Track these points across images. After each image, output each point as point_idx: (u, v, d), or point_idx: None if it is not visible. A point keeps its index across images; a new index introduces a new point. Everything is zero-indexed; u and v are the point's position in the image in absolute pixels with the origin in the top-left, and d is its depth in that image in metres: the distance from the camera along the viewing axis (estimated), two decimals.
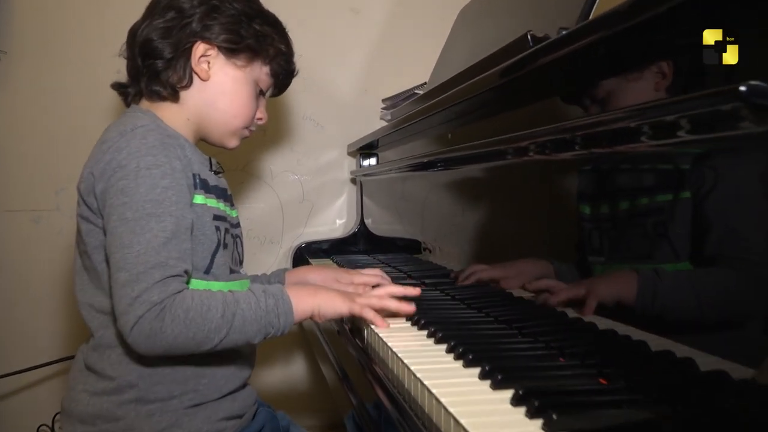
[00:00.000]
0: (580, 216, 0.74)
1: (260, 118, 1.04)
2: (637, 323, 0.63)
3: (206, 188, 0.92)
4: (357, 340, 0.93)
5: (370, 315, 0.87)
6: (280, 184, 1.81)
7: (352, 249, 1.75)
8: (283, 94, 1.10)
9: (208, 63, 0.95)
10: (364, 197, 1.75)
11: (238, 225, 1.04)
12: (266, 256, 1.82)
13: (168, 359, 0.85)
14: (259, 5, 1.03)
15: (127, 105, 0.99)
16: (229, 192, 1.02)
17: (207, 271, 0.90)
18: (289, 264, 1.77)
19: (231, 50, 0.96)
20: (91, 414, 0.86)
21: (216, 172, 0.98)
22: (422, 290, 1.07)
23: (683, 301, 0.58)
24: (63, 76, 1.70)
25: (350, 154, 1.82)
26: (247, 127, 1.02)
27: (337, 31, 1.82)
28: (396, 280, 1.22)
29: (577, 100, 0.75)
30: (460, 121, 1.05)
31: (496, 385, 0.58)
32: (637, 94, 0.65)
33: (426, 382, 0.60)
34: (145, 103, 0.97)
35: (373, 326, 0.86)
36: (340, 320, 1.02)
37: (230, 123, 0.99)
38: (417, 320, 0.85)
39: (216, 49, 0.95)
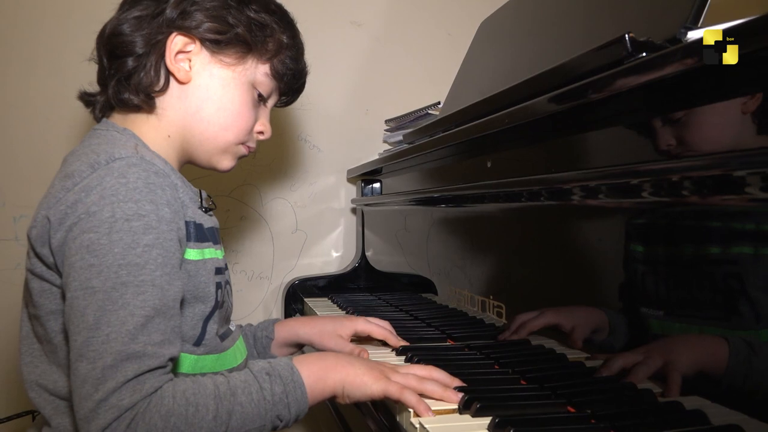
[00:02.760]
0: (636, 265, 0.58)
1: (261, 132, 0.84)
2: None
3: (201, 236, 0.73)
4: (382, 418, 0.74)
5: (412, 400, 0.67)
6: (270, 211, 1.62)
7: (352, 286, 1.56)
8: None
9: (189, 61, 0.75)
10: (366, 229, 1.57)
11: (227, 268, 0.84)
12: (254, 292, 1.62)
13: None
14: None
15: (96, 119, 0.79)
16: (218, 228, 0.83)
17: (197, 343, 0.71)
18: (280, 302, 1.58)
19: (216, 43, 0.75)
20: None
21: (207, 210, 0.78)
22: (458, 351, 0.89)
23: None
24: (25, 87, 1.49)
25: (350, 180, 1.64)
26: (243, 143, 0.82)
27: (337, 46, 1.65)
28: (413, 331, 1.04)
29: (663, 129, 0.58)
30: (495, 148, 0.88)
31: None
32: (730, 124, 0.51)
33: None
34: (116, 117, 0.77)
35: (411, 410, 0.67)
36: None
37: (219, 137, 0.78)
38: (469, 402, 0.66)
39: (198, 42, 0.75)
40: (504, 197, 0.81)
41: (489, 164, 0.89)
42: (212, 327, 0.73)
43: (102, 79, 0.78)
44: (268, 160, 1.60)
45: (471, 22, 1.36)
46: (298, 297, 1.53)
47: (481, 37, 1.28)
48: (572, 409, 0.64)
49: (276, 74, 0.81)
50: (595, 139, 0.69)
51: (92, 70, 1.50)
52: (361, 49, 1.68)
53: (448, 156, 1.07)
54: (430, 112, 1.37)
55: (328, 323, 0.98)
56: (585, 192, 0.65)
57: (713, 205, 0.51)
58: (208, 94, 0.77)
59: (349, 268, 1.58)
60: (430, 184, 1.19)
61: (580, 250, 0.73)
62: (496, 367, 0.82)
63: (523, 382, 0.75)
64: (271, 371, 0.66)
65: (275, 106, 0.87)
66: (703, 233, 0.53)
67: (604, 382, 0.66)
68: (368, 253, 1.57)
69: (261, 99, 0.82)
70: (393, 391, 0.68)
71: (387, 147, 1.63)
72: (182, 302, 0.68)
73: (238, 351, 0.80)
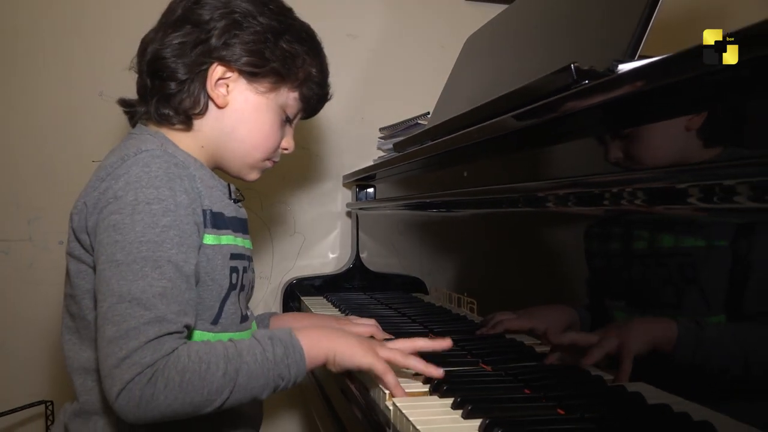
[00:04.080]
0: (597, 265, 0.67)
1: (286, 148, 0.92)
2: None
3: (220, 223, 0.80)
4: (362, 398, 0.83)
5: (391, 382, 0.75)
6: (270, 215, 1.71)
7: (347, 286, 1.65)
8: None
9: (227, 87, 0.83)
10: (360, 232, 1.65)
11: (251, 257, 0.92)
12: (255, 291, 1.70)
13: (167, 424, 0.73)
14: (291, 17, 0.88)
15: (131, 125, 0.88)
16: (246, 219, 0.91)
17: (215, 322, 0.79)
18: (278, 300, 1.66)
19: (253, 75, 0.83)
20: None
21: (236, 200, 0.87)
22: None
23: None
24: (38, 96, 1.59)
25: (346, 185, 1.73)
26: (269, 159, 0.90)
27: (334, 57, 1.72)
28: (399, 327, 1.13)
29: (608, 147, 0.67)
30: (472, 158, 0.97)
31: None
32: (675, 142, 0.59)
33: None
34: (152, 126, 0.85)
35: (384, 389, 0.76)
36: (345, 374, 0.91)
37: (249, 155, 0.87)
38: (438, 385, 0.75)
39: (236, 72, 0.83)
40: (475, 204, 0.89)
41: (465, 174, 0.97)
42: (229, 308, 0.80)
43: (142, 92, 0.85)
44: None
45: (462, 35, 1.44)
46: (295, 296, 1.62)
47: (466, 52, 1.36)
48: (528, 391, 0.73)
49: (303, 98, 0.89)
50: (555, 152, 0.77)
51: (103, 77, 1.60)
52: (357, 60, 1.76)
53: (431, 165, 1.15)
54: (419, 121, 1.46)
55: (318, 319, 1.07)
56: (552, 199, 0.74)
57: (656, 213, 0.59)
58: (242, 117, 0.84)
59: (344, 269, 1.67)
60: (418, 190, 1.28)
61: (545, 252, 0.81)
62: (468, 357, 0.90)
63: (488, 368, 0.83)
64: (273, 336, 0.73)
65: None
66: (651, 236, 0.61)
67: (557, 367, 0.75)
68: (363, 255, 1.65)
69: (287, 120, 0.90)
70: (379, 369, 0.76)
71: (381, 154, 1.71)
72: (200, 282, 0.76)
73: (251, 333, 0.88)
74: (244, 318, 0.85)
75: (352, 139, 1.75)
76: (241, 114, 0.84)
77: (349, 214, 1.74)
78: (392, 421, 0.71)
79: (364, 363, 0.77)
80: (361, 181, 1.62)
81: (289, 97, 0.87)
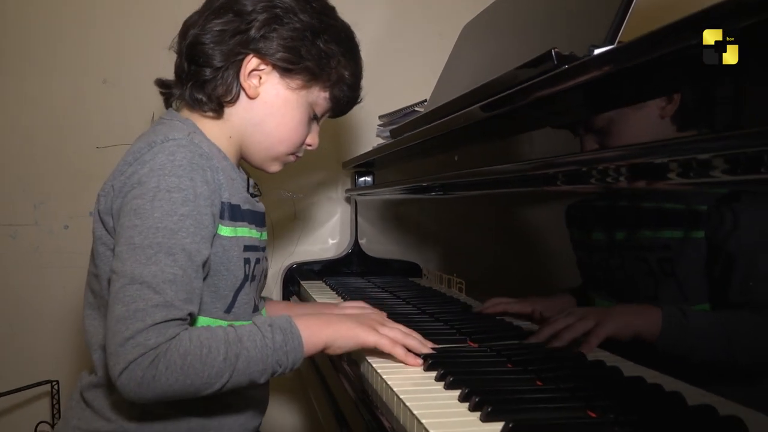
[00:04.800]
0: (592, 247, 0.69)
1: (310, 144, 0.93)
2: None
3: (237, 215, 0.82)
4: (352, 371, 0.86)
5: (401, 353, 0.78)
6: (270, 201, 1.74)
7: (346, 271, 1.68)
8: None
9: (260, 79, 0.84)
10: (359, 217, 1.68)
11: (265, 248, 0.94)
12: None
13: (171, 407, 0.77)
14: (332, 17, 0.90)
15: (166, 106, 0.90)
16: (264, 212, 0.93)
17: (228, 310, 0.81)
18: (279, 285, 1.69)
19: (287, 70, 0.84)
20: None
21: (253, 195, 0.89)
22: (424, 321, 1.01)
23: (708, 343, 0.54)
24: (43, 83, 1.62)
25: (345, 172, 1.76)
26: (293, 153, 0.91)
27: None
28: (392, 308, 1.16)
29: (593, 125, 0.69)
30: (467, 141, 0.99)
31: None
32: (649, 123, 0.61)
33: None
34: (185, 111, 0.87)
35: (374, 364, 0.79)
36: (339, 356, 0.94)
37: (274, 148, 0.88)
38: (423, 359, 0.78)
39: (270, 65, 0.84)
40: (463, 186, 0.92)
41: (456, 158, 1.00)
42: (243, 298, 0.82)
43: (179, 73, 0.87)
44: None
45: (460, 23, 1.45)
46: (295, 280, 1.65)
47: (462, 40, 1.38)
48: (511, 365, 0.76)
49: (333, 99, 0.90)
50: (537, 135, 0.80)
51: (106, 65, 1.63)
52: None
53: (425, 150, 1.18)
54: (416, 109, 1.48)
55: (311, 307, 1.11)
56: (535, 178, 0.76)
57: (639, 190, 0.61)
58: (271, 111, 0.85)
59: (343, 254, 1.70)
60: (413, 176, 1.30)
61: (528, 233, 0.84)
62: (457, 335, 0.93)
63: (475, 345, 0.86)
64: (273, 324, 0.75)
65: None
66: (636, 215, 0.63)
67: (539, 344, 0.77)
68: (361, 241, 1.68)
69: (315, 117, 0.91)
70: (385, 344, 0.79)
71: (380, 141, 1.73)
72: (215, 272, 0.79)
73: None
74: (256, 308, 0.88)
75: (351, 127, 1.78)
76: (270, 107, 0.85)
77: (348, 200, 1.76)
78: (378, 392, 0.74)
79: (368, 340, 0.80)
80: (359, 167, 1.65)
81: (320, 96, 0.88)
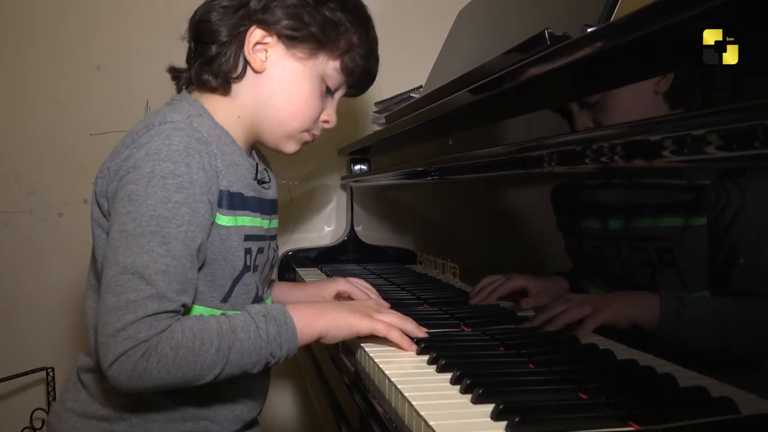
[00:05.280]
0: (588, 232, 0.69)
1: (326, 121, 0.89)
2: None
3: (237, 204, 0.80)
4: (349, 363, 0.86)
5: (396, 336, 0.77)
6: None
7: (341, 258, 1.67)
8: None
9: (266, 52, 0.82)
10: (354, 204, 1.68)
11: (276, 236, 0.92)
12: None
13: (166, 396, 0.76)
14: None
15: (178, 91, 0.88)
16: (275, 200, 0.91)
17: (225, 300, 0.79)
18: (275, 272, 1.69)
19: (291, 38, 0.81)
20: None
21: (261, 182, 0.86)
22: (418, 307, 1.00)
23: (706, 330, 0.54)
24: (37, 69, 1.61)
25: (341, 159, 1.75)
26: (308, 130, 0.87)
27: None
28: (388, 294, 1.15)
29: (588, 107, 0.68)
30: (461, 127, 0.99)
31: (514, 429, 0.51)
32: (645, 100, 0.60)
33: (431, 422, 0.53)
34: (195, 93, 0.85)
35: (367, 348, 0.79)
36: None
37: (286, 124, 0.84)
38: (416, 343, 0.78)
39: (275, 36, 0.81)
40: (457, 170, 0.91)
41: (450, 142, 0.99)
42: (241, 288, 0.80)
43: (188, 57, 0.85)
44: None
45: (455, 8, 1.44)
46: (291, 267, 1.65)
47: (458, 24, 1.37)
48: (503, 349, 0.75)
49: (345, 70, 0.85)
50: (532, 117, 0.79)
51: (100, 52, 1.61)
52: None
53: (420, 135, 1.17)
54: (412, 95, 1.47)
55: (313, 287, 1.09)
56: (528, 160, 0.75)
57: (636, 168, 0.60)
58: (279, 85, 0.82)
59: (339, 241, 1.69)
60: (409, 162, 1.30)
61: (521, 216, 0.83)
62: (451, 320, 0.92)
63: (468, 330, 0.86)
64: (267, 314, 0.73)
65: (344, 96, 0.92)
66: (631, 195, 0.63)
67: (532, 328, 0.77)
68: (357, 228, 1.68)
69: (329, 91, 0.87)
70: (380, 329, 0.78)
71: (376, 128, 1.73)
72: (212, 261, 0.77)
73: None
74: (260, 298, 0.85)
75: (348, 114, 1.77)
76: (278, 81, 0.82)
77: (344, 187, 1.76)
78: (371, 375, 0.74)
79: (363, 328, 0.78)
80: (355, 154, 1.64)
81: (329, 67, 0.84)
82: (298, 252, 1.68)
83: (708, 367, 0.55)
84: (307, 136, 0.88)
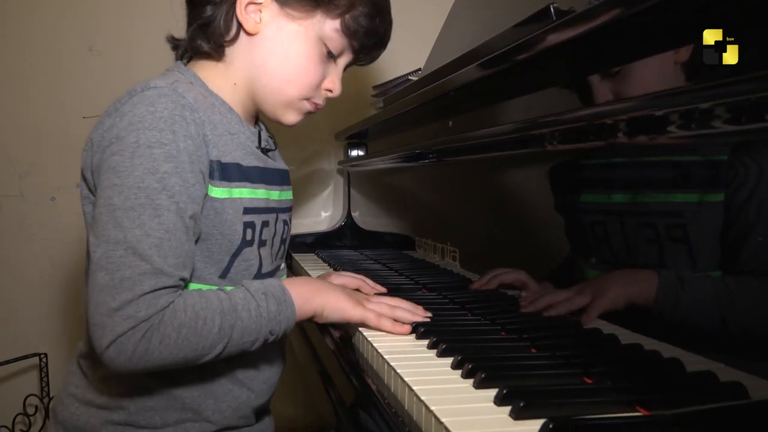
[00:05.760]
0: (593, 207, 0.67)
1: (329, 89, 0.82)
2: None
3: (233, 175, 0.76)
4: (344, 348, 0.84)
5: (388, 325, 0.76)
6: None
7: (338, 244, 1.65)
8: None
9: (260, 12, 0.77)
10: (351, 189, 1.66)
11: (290, 209, 0.88)
12: None
13: (164, 380, 0.73)
14: None
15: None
16: (284, 169, 0.86)
17: (223, 276, 0.76)
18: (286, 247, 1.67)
19: None
20: (77, 427, 0.75)
21: (265, 150, 0.82)
22: (417, 292, 0.99)
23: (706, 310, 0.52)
24: (28, 51, 1.57)
25: (338, 144, 1.72)
26: (308, 99, 0.81)
27: None
28: (386, 279, 1.13)
29: (595, 85, 0.66)
30: (460, 108, 0.97)
31: (518, 414, 0.50)
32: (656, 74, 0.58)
33: (432, 407, 0.52)
34: (192, 62, 0.81)
35: (365, 332, 0.77)
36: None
37: (283, 91, 0.79)
38: (415, 327, 0.76)
39: None
40: (456, 151, 0.89)
41: (450, 124, 0.97)
42: (240, 263, 0.77)
43: (186, 24, 0.81)
44: None
45: None
46: (287, 253, 1.63)
47: (457, 6, 1.34)
48: (505, 334, 0.74)
49: (347, 31, 0.79)
50: (538, 95, 0.77)
51: (92, 33, 1.58)
52: None
53: (419, 118, 1.15)
54: (410, 78, 1.44)
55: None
56: (531, 139, 0.73)
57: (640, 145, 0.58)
58: (274, 47, 0.77)
59: (336, 227, 1.67)
60: (407, 145, 1.27)
61: (523, 197, 0.81)
62: (450, 305, 0.91)
63: (468, 314, 0.84)
64: (267, 291, 0.72)
65: (353, 64, 0.86)
66: (636, 176, 0.61)
67: (534, 313, 0.76)
68: (354, 214, 1.66)
69: (331, 56, 0.81)
70: (371, 318, 0.77)
71: (374, 112, 1.70)
72: (208, 236, 0.73)
73: None
74: (265, 275, 0.81)
75: (345, 98, 1.73)
76: (273, 43, 0.78)
77: (341, 172, 1.74)
78: (369, 360, 0.73)
79: (354, 316, 0.77)
80: (352, 138, 1.61)
81: (328, 27, 0.78)
82: (294, 237, 1.65)
83: (715, 351, 0.53)
84: (308, 105, 0.82)
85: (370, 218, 1.58)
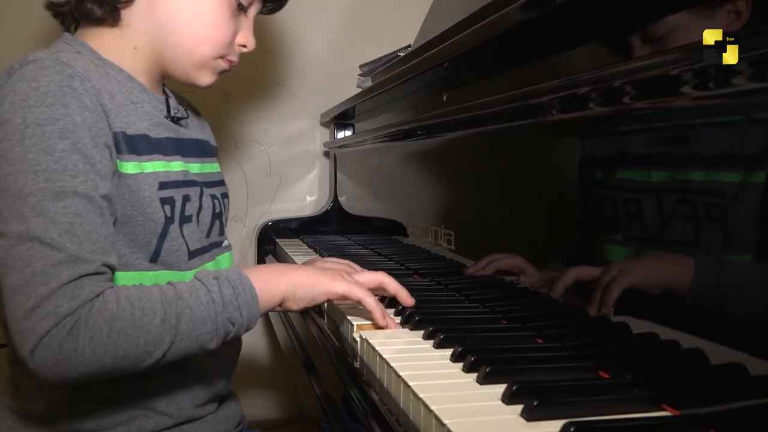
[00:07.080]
0: (612, 191, 0.61)
1: (243, 45, 0.77)
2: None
3: (142, 148, 0.69)
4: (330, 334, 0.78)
5: (371, 302, 0.67)
6: (244, 155, 1.64)
7: (324, 229, 1.59)
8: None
9: None
10: (338, 172, 1.59)
11: (219, 183, 0.81)
12: (229, 235, 1.64)
13: (108, 386, 0.66)
14: None
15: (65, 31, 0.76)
16: (203, 140, 0.79)
17: (154, 260, 0.69)
18: (254, 243, 1.60)
19: None
20: None
21: (175, 118, 0.75)
22: (407, 277, 0.93)
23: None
24: None
25: (323, 124, 1.65)
26: (223, 57, 0.75)
27: None
28: (374, 265, 1.07)
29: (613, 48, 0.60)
30: (455, 81, 0.90)
31: (531, 414, 0.44)
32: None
33: (432, 407, 0.46)
34: (80, 31, 0.73)
35: (355, 322, 0.70)
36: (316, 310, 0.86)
37: (194, 51, 0.73)
38: (410, 316, 0.70)
39: None
40: (451, 125, 0.83)
41: (445, 98, 0.91)
42: (171, 244, 0.70)
43: None
44: (242, 103, 1.61)
45: None
46: (270, 238, 1.56)
47: None
48: (506, 322, 0.68)
49: None
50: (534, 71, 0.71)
51: None
52: None
53: (410, 93, 1.08)
54: (399, 54, 1.38)
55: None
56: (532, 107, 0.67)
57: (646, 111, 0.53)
58: (179, 4, 0.71)
59: (321, 211, 1.61)
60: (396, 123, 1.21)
61: (523, 173, 0.75)
62: (445, 291, 0.85)
63: (465, 301, 0.78)
64: (219, 276, 0.64)
65: (260, 14, 0.81)
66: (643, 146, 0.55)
67: (538, 300, 0.70)
68: (341, 198, 1.59)
69: (241, 8, 0.76)
70: (356, 291, 0.68)
71: (361, 91, 1.63)
72: (128, 218, 0.67)
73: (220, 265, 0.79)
74: (194, 253, 0.74)
75: (330, 77, 1.67)
76: (176, 0, 0.71)
77: (326, 154, 1.67)
78: (359, 354, 0.67)
79: (337, 289, 0.68)
80: (339, 119, 1.54)
81: None
82: (278, 222, 1.59)
83: (742, 341, 0.48)
84: (223, 64, 0.76)
85: (357, 203, 1.51)
